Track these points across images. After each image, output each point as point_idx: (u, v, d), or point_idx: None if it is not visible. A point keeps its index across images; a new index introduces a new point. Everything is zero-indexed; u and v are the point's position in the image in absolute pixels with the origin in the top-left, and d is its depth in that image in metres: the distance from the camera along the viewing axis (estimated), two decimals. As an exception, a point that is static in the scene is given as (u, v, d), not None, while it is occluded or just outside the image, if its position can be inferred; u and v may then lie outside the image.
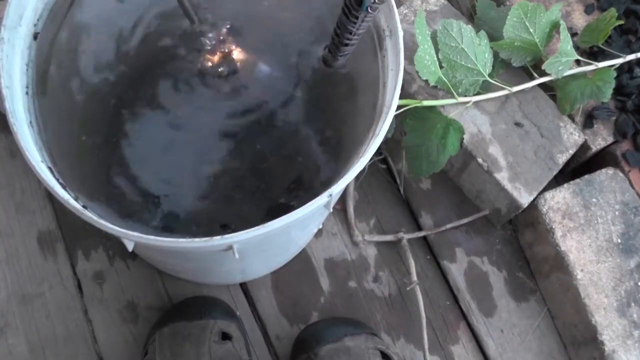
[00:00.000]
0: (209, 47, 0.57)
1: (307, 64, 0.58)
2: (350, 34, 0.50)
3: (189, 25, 0.58)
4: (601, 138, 0.74)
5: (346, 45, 0.52)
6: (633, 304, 0.67)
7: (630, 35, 0.77)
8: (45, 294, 0.69)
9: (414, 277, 0.71)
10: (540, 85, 0.73)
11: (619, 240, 0.69)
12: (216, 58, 0.58)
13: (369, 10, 0.46)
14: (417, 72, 0.68)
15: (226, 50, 0.58)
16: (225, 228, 0.51)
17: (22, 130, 0.47)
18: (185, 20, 0.57)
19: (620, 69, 0.74)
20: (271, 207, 0.53)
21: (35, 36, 0.53)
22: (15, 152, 0.74)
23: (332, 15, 0.51)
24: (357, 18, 0.47)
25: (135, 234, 0.43)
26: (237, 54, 0.58)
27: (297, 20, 0.60)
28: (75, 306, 0.69)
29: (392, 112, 0.48)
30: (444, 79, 0.69)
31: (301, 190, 0.53)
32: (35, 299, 0.68)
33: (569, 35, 0.70)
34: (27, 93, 0.51)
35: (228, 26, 0.59)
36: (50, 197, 0.73)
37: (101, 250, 0.71)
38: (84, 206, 0.47)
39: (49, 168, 0.48)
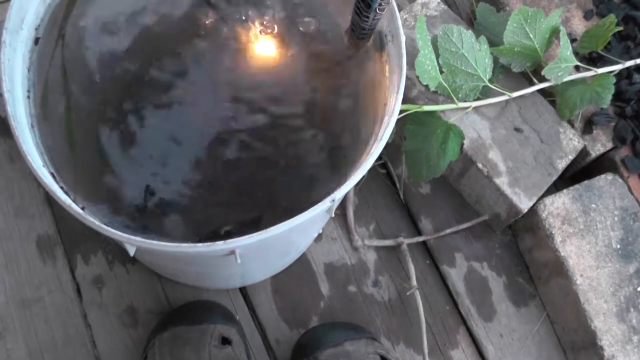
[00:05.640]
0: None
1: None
2: (364, 30, 0.54)
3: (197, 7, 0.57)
4: (600, 144, 0.74)
5: (362, 38, 0.56)
6: (632, 309, 0.67)
7: (629, 41, 0.77)
8: (44, 298, 0.68)
9: (414, 282, 0.71)
10: (539, 90, 0.73)
11: (618, 246, 0.69)
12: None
13: (377, 11, 0.50)
14: (418, 77, 0.68)
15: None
16: (219, 234, 0.51)
17: (23, 134, 0.47)
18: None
19: (619, 75, 0.74)
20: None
21: (37, 41, 0.53)
22: (14, 156, 0.74)
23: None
24: (368, 18, 0.51)
25: (138, 238, 0.43)
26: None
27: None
28: (75, 311, 0.68)
29: (395, 117, 0.48)
30: (444, 84, 0.69)
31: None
32: (34, 304, 0.68)
33: (569, 41, 0.70)
34: (28, 97, 0.51)
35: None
36: (50, 201, 0.72)
37: (100, 254, 0.71)
38: (82, 208, 0.47)
39: (51, 173, 0.47)
